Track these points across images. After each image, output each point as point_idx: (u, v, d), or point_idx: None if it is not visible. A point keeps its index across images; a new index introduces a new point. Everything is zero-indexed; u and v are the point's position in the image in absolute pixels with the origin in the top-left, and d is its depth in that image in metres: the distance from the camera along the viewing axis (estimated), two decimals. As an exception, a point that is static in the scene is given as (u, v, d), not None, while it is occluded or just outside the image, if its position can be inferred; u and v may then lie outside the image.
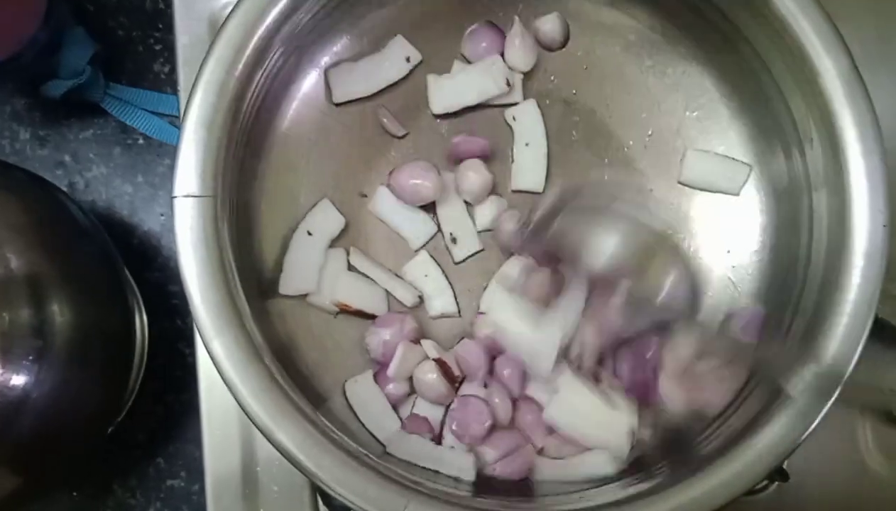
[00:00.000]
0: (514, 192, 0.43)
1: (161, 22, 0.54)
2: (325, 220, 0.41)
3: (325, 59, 0.42)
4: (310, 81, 0.42)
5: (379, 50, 0.42)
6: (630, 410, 0.39)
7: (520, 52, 0.43)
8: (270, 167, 0.41)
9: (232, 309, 0.34)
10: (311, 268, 0.41)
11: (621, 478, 0.38)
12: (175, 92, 0.53)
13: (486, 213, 0.43)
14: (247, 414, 0.34)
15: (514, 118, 0.43)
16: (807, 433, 0.35)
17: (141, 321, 0.51)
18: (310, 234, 0.41)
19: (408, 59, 0.42)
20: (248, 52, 0.35)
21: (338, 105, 0.42)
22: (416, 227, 0.42)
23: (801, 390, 0.36)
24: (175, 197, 0.34)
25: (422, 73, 0.43)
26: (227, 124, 0.35)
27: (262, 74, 0.37)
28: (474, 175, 0.41)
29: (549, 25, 0.43)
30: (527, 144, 0.43)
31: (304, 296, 0.41)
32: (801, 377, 0.36)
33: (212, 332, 0.34)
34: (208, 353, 0.34)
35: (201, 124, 0.35)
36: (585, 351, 0.40)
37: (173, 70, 0.54)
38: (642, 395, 0.40)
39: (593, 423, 0.39)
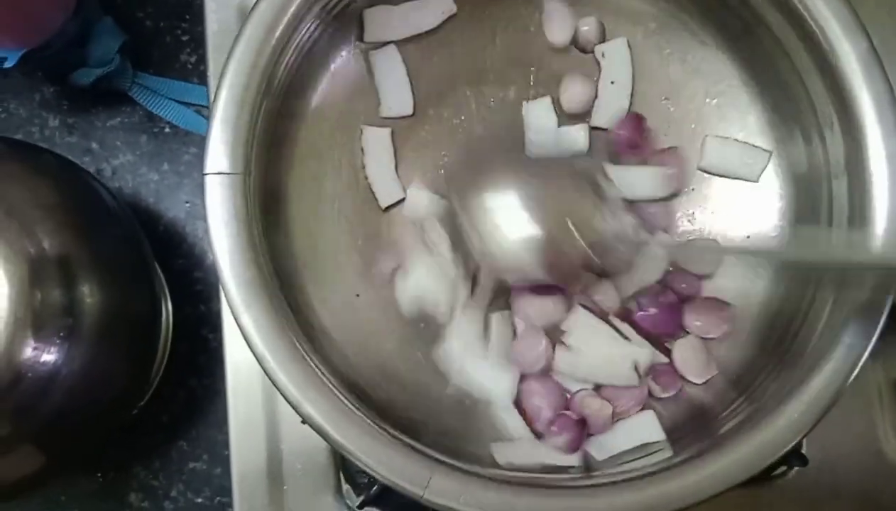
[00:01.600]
0: (593, 128, 0.44)
1: (188, 13, 0.55)
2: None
3: (357, 41, 0.43)
4: (342, 60, 0.42)
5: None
6: (638, 343, 0.41)
7: (558, 27, 0.43)
8: (299, 147, 0.41)
9: (261, 283, 0.35)
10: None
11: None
12: (202, 81, 0.54)
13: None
14: (275, 385, 0.34)
15: (603, 55, 0.44)
16: (821, 416, 0.36)
17: (166, 306, 0.52)
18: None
19: (442, 12, 0.43)
20: (279, 31, 0.36)
21: (367, 44, 0.43)
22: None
23: (816, 375, 0.36)
24: (206, 174, 0.35)
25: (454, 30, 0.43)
26: (257, 103, 0.36)
27: (293, 54, 0.38)
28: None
29: (587, 28, 0.44)
30: (612, 82, 0.43)
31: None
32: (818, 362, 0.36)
33: (241, 306, 0.35)
34: (238, 325, 0.35)
35: (232, 103, 0.35)
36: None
37: (200, 60, 0.55)
38: (669, 328, 0.42)
39: (602, 356, 0.40)
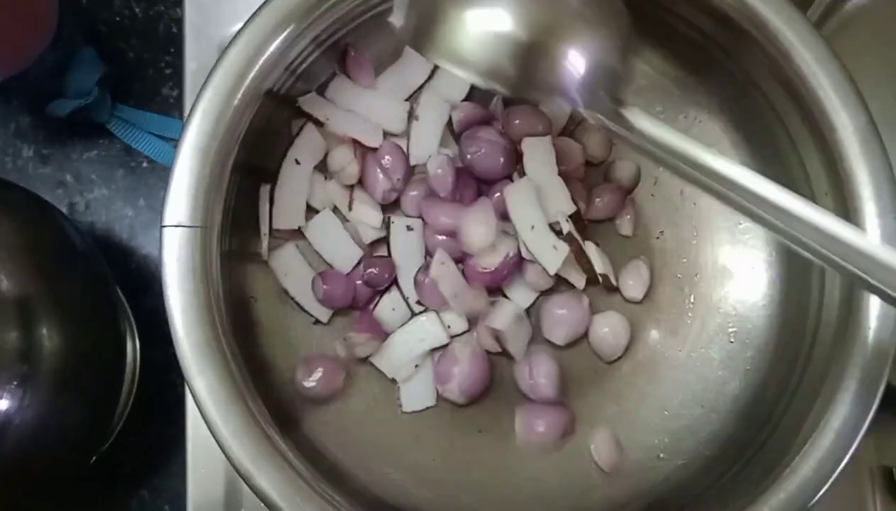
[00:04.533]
0: None
1: (172, 46, 0.54)
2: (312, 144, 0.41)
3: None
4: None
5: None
6: None
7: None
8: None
9: (217, 347, 0.33)
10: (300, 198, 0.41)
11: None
12: (182, 116, 0.53)
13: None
14: (227, 456, 0.33)
15: None
16: (810, 505, 0.34)
17: (133, 348, 0.50)
18: (297, 162, 0.41)
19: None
20: (249, 80, 0.35)
21: None
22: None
23: (805, 459, 0.34)
24: (164, 226, 0.34)
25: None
26: (223, 152, 0.34)
27: (265, 102, 0.36)
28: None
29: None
30: None
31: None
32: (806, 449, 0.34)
33: (195, 370, 0.33)
34: (190, 390, 0.33)
35: (197, 152, 0.34)
36: None
37: (181, 94, 0.53)
38: None
39: None
